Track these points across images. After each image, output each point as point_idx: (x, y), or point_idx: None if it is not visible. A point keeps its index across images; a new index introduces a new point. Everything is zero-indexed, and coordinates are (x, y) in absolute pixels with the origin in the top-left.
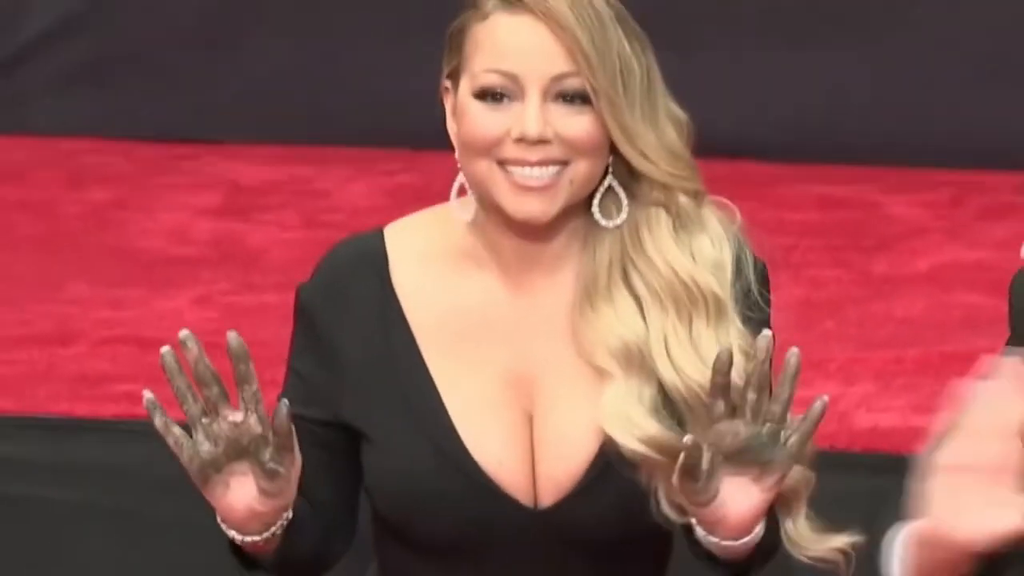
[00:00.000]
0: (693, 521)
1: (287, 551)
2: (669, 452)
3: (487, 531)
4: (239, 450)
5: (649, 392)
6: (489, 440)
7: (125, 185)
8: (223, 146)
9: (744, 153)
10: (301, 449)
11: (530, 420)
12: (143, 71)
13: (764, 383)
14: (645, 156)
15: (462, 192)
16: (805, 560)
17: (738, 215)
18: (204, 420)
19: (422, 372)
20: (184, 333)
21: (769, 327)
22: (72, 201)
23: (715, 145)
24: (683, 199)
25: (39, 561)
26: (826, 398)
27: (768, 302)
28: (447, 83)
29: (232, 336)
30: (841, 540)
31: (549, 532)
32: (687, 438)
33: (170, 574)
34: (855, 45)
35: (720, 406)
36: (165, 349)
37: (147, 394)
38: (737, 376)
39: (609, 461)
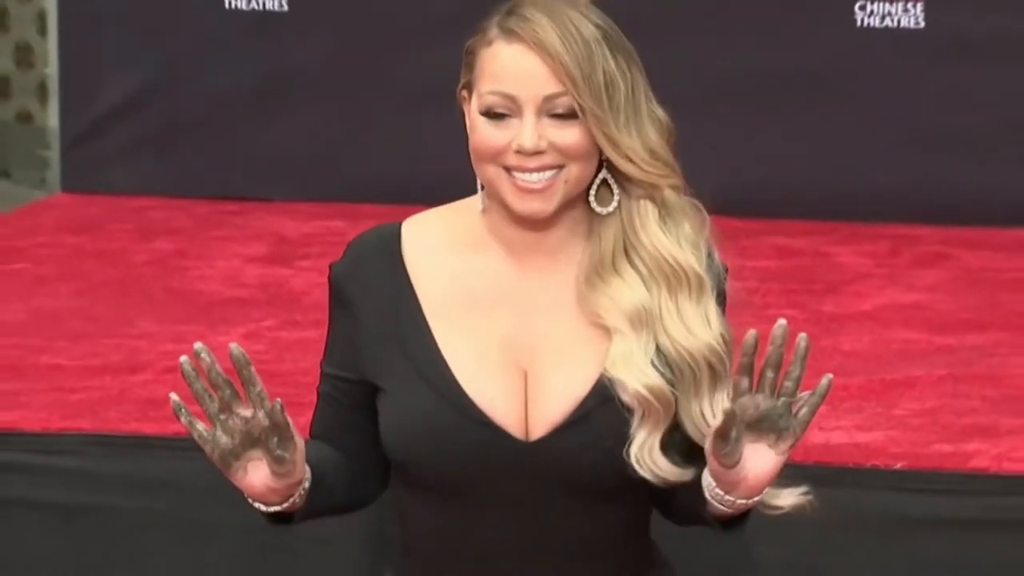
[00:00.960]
0: (707, 483)
1: (314, 505)
2: (663, 399)
3: (483, 462)
4: (252, 440)
5: (652, 348)
6: (484, 385)
7: (186, 237)
8: (269, 203)
9: (713, 210)
10: (337, 407)
11: (525, 376)
12: (200, 139)
13: (779, 363)
14: (628, 159)
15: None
16: (772, 511)
17: (707, 216)
18: (221, 417)
19: (426, 334)
20: (198, 345)
21: (725, 307)
22: (141, 251)
23: None
24: (667, 192)
25: (111, 562)
26: (831, 376)
27: (724, 297)
28: (464, 93)
29: (233, 347)
30: (797, 492)
31: (539, 464)
32: (726, 406)
33: (222, 571)
34: (811, 120)
35: (744, 382)
36: (183, 359)
37: (173, 396)
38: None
39: (594, 404)
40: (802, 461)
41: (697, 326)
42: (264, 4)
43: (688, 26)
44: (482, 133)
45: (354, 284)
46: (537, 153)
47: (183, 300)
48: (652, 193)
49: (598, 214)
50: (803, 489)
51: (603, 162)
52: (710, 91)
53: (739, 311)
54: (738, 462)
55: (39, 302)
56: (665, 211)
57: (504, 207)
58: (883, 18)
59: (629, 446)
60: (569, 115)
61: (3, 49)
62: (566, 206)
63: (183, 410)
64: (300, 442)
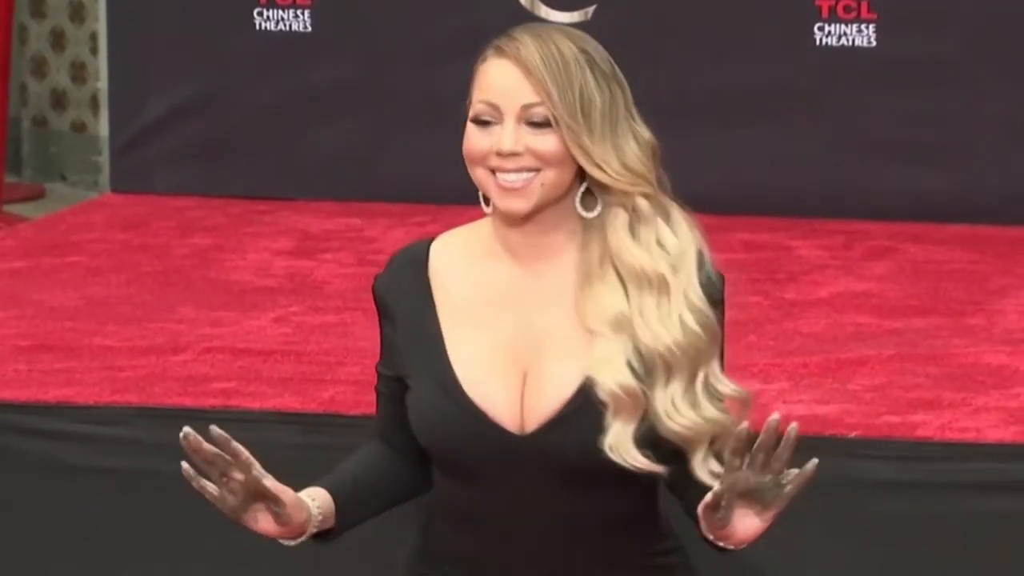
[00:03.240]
0: (701, 526)
1: (348, 521)
2: (633, 394)
3: (483, 453)
4: (252, 496)
5: (630, 349)
6: (482, 381)
7: (221, 233)
8: (295, 203)
9: (689, 208)
10: (388, 401)
11: (524, 375)
12: (234, 147)
13: (770, 448)
14: (599, 168)
15: (487, 201)
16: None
17: (696, 222)
18: (223, 480)
19: (436, 335)
20: (185, 430)
21: (723, 312)
22: (182, 245)
23: None
24: (640, 200)
25: (156, 521)
26: (816, 461)
27: (722, 303)
28: (468, 108)
29: (212, 428)
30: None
31: (532, 455)
32: (717, 487)
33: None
34: (774, 129)
35: (736, 461)
36: (181, 436)
37: (185, 467)
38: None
39: (580, 402)
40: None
41: (659, 327)
42: (291, 25)
43: (667, 48)
44: (470, 138)
45: (389, 294)
46: (514, 155)
47: (219, 289)
48: (624, 201)
49: (589, 221)
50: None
51: (582, 171)
52: (685, 105)
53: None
54: (726, 525)
55: (92, 290)
56: (636, 218)
57: (499, 214)
58: (839, 38)
59: (603, 437)
60: (544, 124)
61: (60, 66)
62: (562, 213)
63: (195, 478)
64: (289, 495)
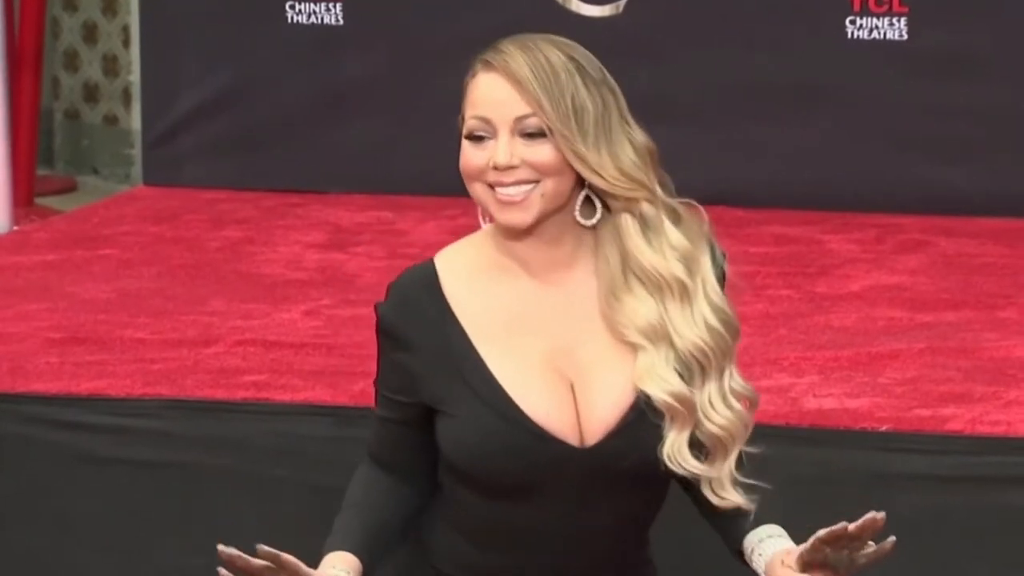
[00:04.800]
0: (752, 560)
1: (371, 567)
2: (686, 402)
3: (546, 470)
4: None
5: (672, 355)
6: (537, 400)
7: (253, 226)
8: (326, 196)
9: (720, 201)
10: (391, 424)
11: (571, 386)
12: (266, 140)
13: (854, 539)
14: (596, 174)
15: (486, 216)
16: (717, 503)
17: (705, 215)
18: None
19: (476, 359)
20: (221, 550)
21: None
22: (213, 238)
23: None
24: (644, 205)
25: (188, 512)
26: (893, 539)
27: (725, 277)
28: (460, 122)
29: (259, 547)
30: (743, 499)
31: (595, 464)
32: (798, 565)
33: (284, 523)
34: (808, 122)
35: (825, 548)
36: (220, 552)
37: (222, 572)
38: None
39: (640, 410)
40: (798, 424)
41: (687, 330)
42: (322, 19)
43: (699, 42)
44: (466, 154)
45: (403, 322)
46: (511, 168)
47: (250, 281)
48: (630, 207)
49: (601, 230)
50: (748, 498)
51: (585, 181)
52: (718, 98)
53: (740, 291)
54: None
55: (124, 283)
56: (645, 223)
57: (502, 229)
58: (871, 31)
59: (661, 446)
60: (539, 134)
61: (92, 59)
62: (564, 222)
63: None
64: None
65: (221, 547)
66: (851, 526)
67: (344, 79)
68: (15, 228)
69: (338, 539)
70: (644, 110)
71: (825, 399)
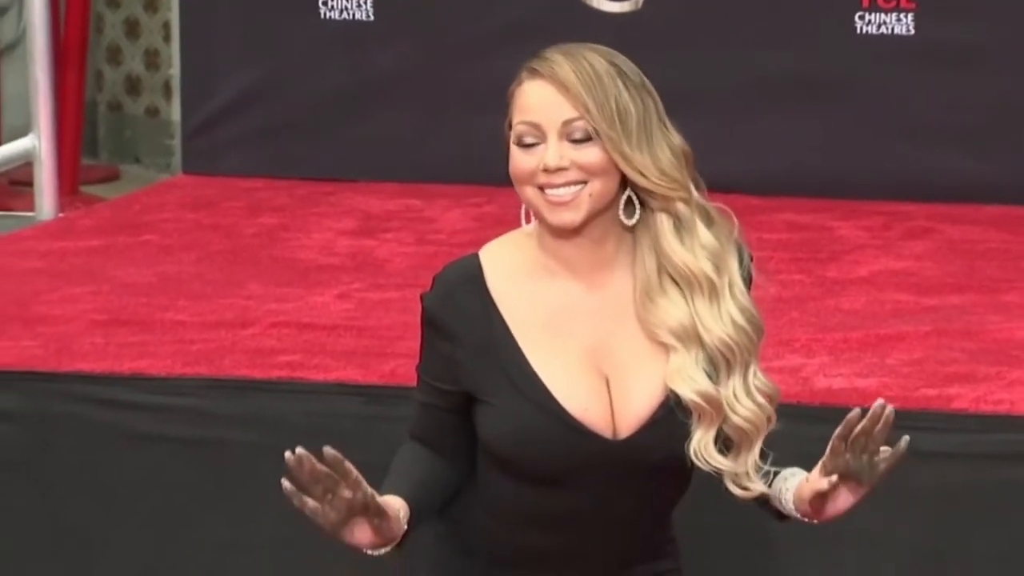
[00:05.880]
0: (789, 508)
1: (418, 526)
2: (713, 402)
3: (578, 460)
4: (353, 512)
5: (701, 356)
6: (575, 394)
7: (288, 213)
8: (357, 184)
9: (736, 189)
10: (434, 410)
11: (607, 381)
12: (300, 130)
13: (871, 432)
14: (641, 174)
15: (528, 216)
16: (736, 493)
17: (735, 219)
18: (327, 497)
19: (518, 353)
20: (298, 451)
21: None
22: (250, 224)
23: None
24: (680, 205)
25: (225, 487)
26: (907, 438)
27: (751, 280)
28: (507, 129)
29: (327, 449)
30: (765, 486)
31: (626, 456)
32: (833, 479)
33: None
34: (818, 113)
35: (841, 446)
36: (288, 456)
37: (286, 484)
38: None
39: (671, 406)
40: (809, 402)
41: (715, 327)
42: (353, 15)
43: (714, 37)
44: (516, 159)
45: (447, 313)
46: (560, 170)
47: (285, 266)
48: (667, 206)
49: (638, 232)
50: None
51: (625, 180)
52: (732, 91)
53: (755, 277)
54: (827, 508)
55: (164, 267)
56: (679, 223)
57: (551, 229)
58: (879, 27)
59: (688, 443)
60: (586, 138)
61: (135, 54)
62: (608, 223)
63: (296, 495)
64: (392, 507)
65: (288, 453)
66: (859, 412)
67: (374, 73)
68: (61, 215)
69: (400, 486)
70: (663, 103)
71: (835, 379)
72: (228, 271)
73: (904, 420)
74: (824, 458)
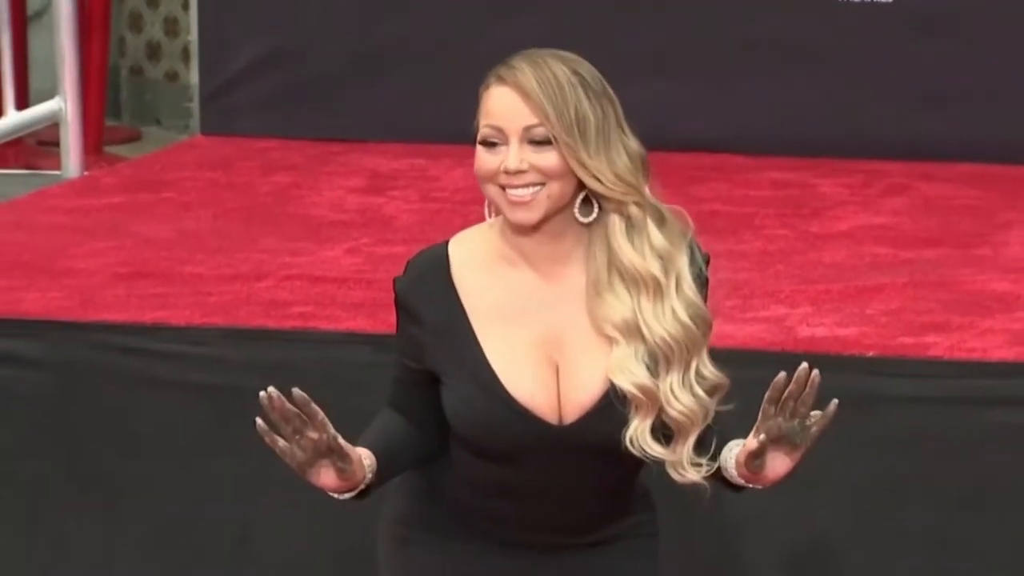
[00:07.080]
0: (731, 474)
1: (383, 479)
2: (648, 393)
3: (525, 443)
4: (319, 454)
5: (642, 350)
6: (522, 381)
7: (300, 172)
8: (366, 144)
9: (723, 149)
10: (406, 385)
11: (556, 368)
12: (312, 93)
13: (799, 395)
14: (596, 179)
15: (491, 211)
16: (677, 480)
17: (690, 219)
18: (295, 437)
19: (473, 339)
20: (269, 390)
21: (707, 290)
22: (264, 183)
23: (704, 142)
24: (632, 208)
25: (241, 432)
26: (837, 401)
27: (707, 281)
28: (476, 131)
29: (295, 391)
30: (699, 477)
31: (571, 441)
32: (761, 437)
33: None
34: (800, 76)
35: (772, 409)
36: (261, 396)
37: (259, 422)
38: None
39: (612, 396)
40: (793, 350)
41: (656, 324)
42: None
43: (701, 5)
44: (480, 159)
45: (415, 297)
46: (520, 172)
47: (297, 223)
48: (619, 208)
49: (594, 229)
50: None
51: (581, 182)
52: (719, 56)
53: (742, 231)
54: (762, 469)
55: (183, 224)
56: (630, 224)
57: (510, 225)
58: None
59: (625, 431)
60: (545, 142)
61: (155, 21)
62: (566, 220)
63: (267, 433)
64: (356, 453)
65: (262, 393)
66: (784, 376)
67: (382, 38)
68: (86, 174)
69: (368, 439)
70: (652, 65)
71: (817, 328)
72: (243, 227)
73: (883, 367)
74: (757, 422)
